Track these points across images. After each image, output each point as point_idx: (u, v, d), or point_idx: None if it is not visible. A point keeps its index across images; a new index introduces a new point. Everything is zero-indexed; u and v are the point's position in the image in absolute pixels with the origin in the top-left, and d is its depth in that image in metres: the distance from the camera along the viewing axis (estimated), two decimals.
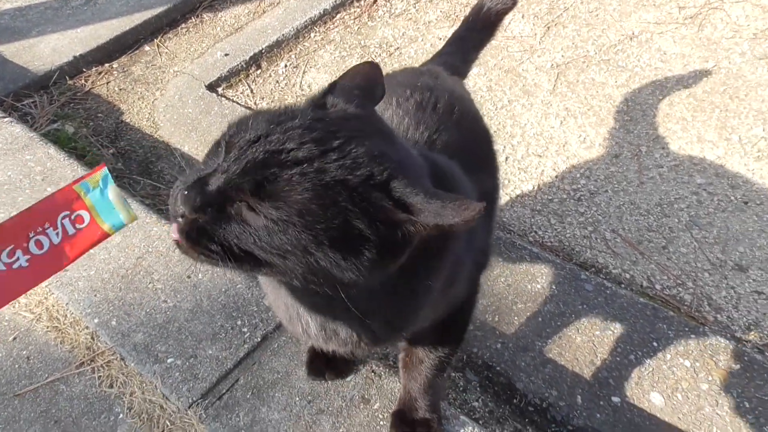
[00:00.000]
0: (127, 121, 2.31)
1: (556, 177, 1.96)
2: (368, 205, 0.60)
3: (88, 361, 1.28)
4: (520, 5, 2.64)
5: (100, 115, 2.33)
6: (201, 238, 0.62)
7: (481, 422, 1.37)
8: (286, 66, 2.52)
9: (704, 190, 1.86)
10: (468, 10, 1.50)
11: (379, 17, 2.72)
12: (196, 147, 2.15)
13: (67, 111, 2.34)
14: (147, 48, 2.65)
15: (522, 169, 1.99)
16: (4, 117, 1.95)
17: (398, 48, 2.54)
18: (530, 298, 1.57)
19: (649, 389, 1.39)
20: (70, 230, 0.75)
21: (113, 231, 0.77)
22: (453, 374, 1.45)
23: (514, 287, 1.60)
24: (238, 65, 2.46)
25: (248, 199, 0.61)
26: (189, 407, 1.17)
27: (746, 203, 1.82)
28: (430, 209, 0.59)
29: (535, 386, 1.42)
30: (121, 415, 1.20)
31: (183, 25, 2.76)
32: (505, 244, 1.69)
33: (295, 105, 0.71)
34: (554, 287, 1.59)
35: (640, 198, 1.86)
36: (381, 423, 1.13)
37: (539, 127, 2.12)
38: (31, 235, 0.73)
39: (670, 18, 2.47)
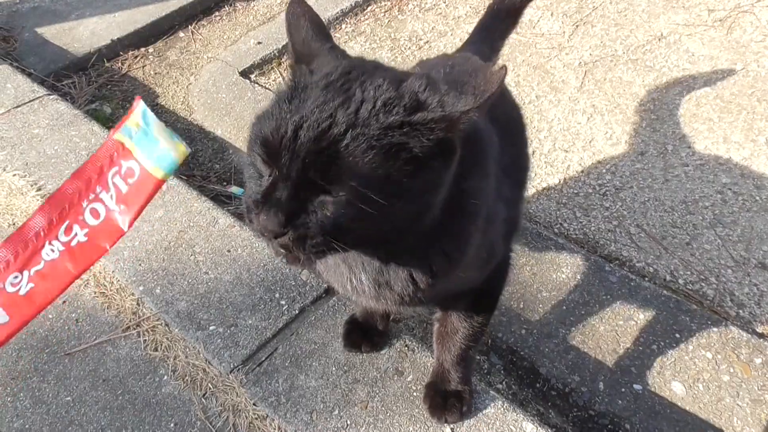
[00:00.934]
0: (162, 104, 2.38)
1: (582, 172, 1.99)
2: (417, 128, 0.64)
3: (134, 326, 1.34)
4: (549, 3, 2.67)
5: (136, 97, 2.40)
6: (300, 246, 0.66)
7: None
8: None
9: (729, 190, 1.89)
10: None
11: (409, 11, 2.76)
12: (229, 131, 2.21)
13: (104, 92, 2.41)
14: (181, 34, 2.72)
15: (548, 163, 2.03)
16: (50, 95, 2.02)
17: (428, 42, 2.58)
18: (555, 287, 1.61)
19: (671, 378, 1.42)
20: (123, 188, 0.71)
21: (168, 176, 0.71)
22: (478, 357, 1.50)
23: (539, 276, 1.64)
24: (270, 53, 2.52)
25: (323, 188, 0.63)
26: (230, 372, 1.23)
27: None
28: (467, 93, 0.65)
29: (558, 371, 1.46)
30: (165, 377, 1.26)
31: (216, 13, 2.83)
32: (531, 234, 1.73)
33: (286, 83, 0.73)
34: (579, 277, 1.62)
35: (665, 195, 1.89)
36: (414, 394, 1.18)
37: (566, 123, 2.15)
38: (84, 205, 0.71)
39: (699, 20, 2.49)
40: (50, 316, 1.38)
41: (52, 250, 0.71)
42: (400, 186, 0.64)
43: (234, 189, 1.94)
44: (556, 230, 1.83)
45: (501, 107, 1.08)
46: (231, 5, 2.86)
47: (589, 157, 2.04)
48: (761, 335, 1.54)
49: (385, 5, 2.80)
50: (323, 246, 0.66)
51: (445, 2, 2.78)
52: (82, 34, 2.58)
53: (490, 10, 1.47)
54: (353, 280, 0.83)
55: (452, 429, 1.13)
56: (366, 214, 0.63)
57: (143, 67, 2.54)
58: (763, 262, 1.70)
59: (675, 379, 1.42)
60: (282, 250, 0.68)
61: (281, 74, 2.51)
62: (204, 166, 2.12)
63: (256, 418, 1.17)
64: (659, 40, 2.43)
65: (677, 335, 1.49)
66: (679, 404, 1.38)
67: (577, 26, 2.55)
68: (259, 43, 2.57)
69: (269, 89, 2.38)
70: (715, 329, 1.49)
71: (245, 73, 2.44)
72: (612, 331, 1.52)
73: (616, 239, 1.79)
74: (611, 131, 2.11)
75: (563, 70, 2.35)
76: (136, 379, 1.27)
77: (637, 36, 2.46)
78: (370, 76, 0.68)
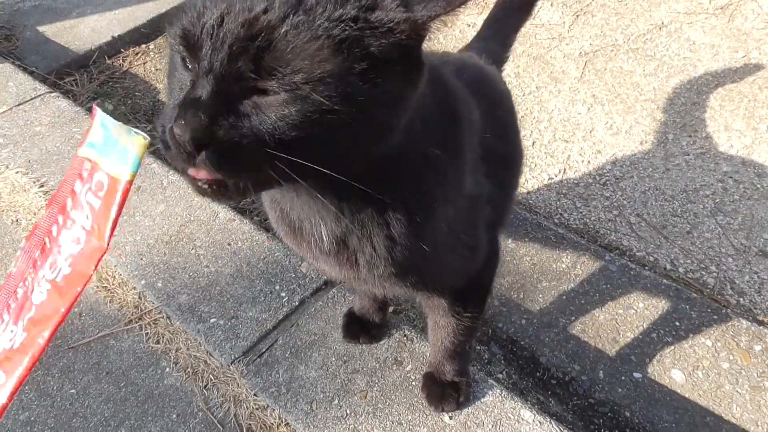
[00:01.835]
0: (164, 100, 2.39)
1: (582, 162, 1.99)
2: (374, 25, 0.55)
3: (136, 319, 1.36)
4: None
5: (137, 93, 2.41)
6: (231, 160, 0.53)
7: None
8: None
9: (730, 178, 1.88)
10: None
11: None
12: None
13: (106, 89, 2.42)
14: None
15: (548, 153, 2.03)
16: (52, 92, 2.04)
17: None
18: (555, 276, 1.62)
19: (671, 366, 1.43)
20: (96, 203, 0.65)
21: (134, 174, 0.64)
22: (478, 347, 1.50)
23: (539, 266, 1.64)
24: None
25: (255, 84, 0.53)
26: (231, 363, 1.24)
27: None
28: None
29: (558, 360, 1.47)
30: (167, 369, 1.28)
31: None
32: (531, 224, 1.73)
33: None
34: (579, 267, 1.63)
35: (665, 184, 1.89)
36: (413, 383, 1.19)
37: (566, 113, 2.14)
38: (64, 234, 0.66)
39: (700, 8, 2.47)
40: None
41: (41, 292, 0.66)
42: (352, 89, 0.54)
43: None
44: (556, 220, 1.83)
45: (488, 95, 1.05)
46: None
47: (589, 147, 2.03)
48: (761, 322, 1.54)
49: None
50: (261, 163, 0.54)
51: None
52: (83, 32, 2.59)
53: (500, 1, 1.41)
54: (315, 235, 0.74)
55: (450, 417, 1.14)
56: (312, 121, 0.53)
57: (144, 63, 2.55)
58: (764, 250, 1.69)
59: (675, 366, 1.43)
60: (204, 175, 0.54)
61: None
62: None
63: (257, 409, 1.19)
64: (660, 29, 2.41)
65: (677, 323, 1.49)
66: (679, 392, 1.38)
67: (577, 16, 2.54)
68: None
69: None
70: (715, 317, 1.49)
71: None
72: (612, 320, 1.53)
73: (616, 229, 1.79)
74: (612, 121, 2.11)
75: (563, 61, 2.35)
76: (138, 371, 1.28)
77: (638, 25, 2.45)
78: None
